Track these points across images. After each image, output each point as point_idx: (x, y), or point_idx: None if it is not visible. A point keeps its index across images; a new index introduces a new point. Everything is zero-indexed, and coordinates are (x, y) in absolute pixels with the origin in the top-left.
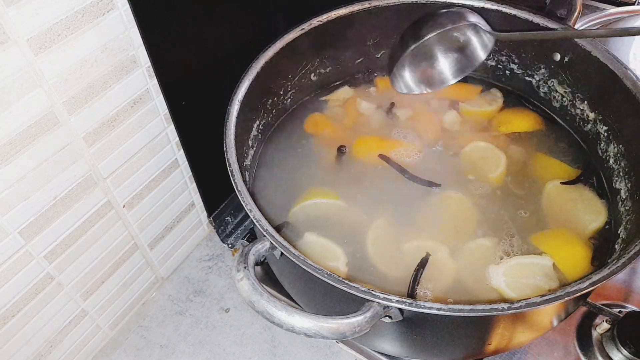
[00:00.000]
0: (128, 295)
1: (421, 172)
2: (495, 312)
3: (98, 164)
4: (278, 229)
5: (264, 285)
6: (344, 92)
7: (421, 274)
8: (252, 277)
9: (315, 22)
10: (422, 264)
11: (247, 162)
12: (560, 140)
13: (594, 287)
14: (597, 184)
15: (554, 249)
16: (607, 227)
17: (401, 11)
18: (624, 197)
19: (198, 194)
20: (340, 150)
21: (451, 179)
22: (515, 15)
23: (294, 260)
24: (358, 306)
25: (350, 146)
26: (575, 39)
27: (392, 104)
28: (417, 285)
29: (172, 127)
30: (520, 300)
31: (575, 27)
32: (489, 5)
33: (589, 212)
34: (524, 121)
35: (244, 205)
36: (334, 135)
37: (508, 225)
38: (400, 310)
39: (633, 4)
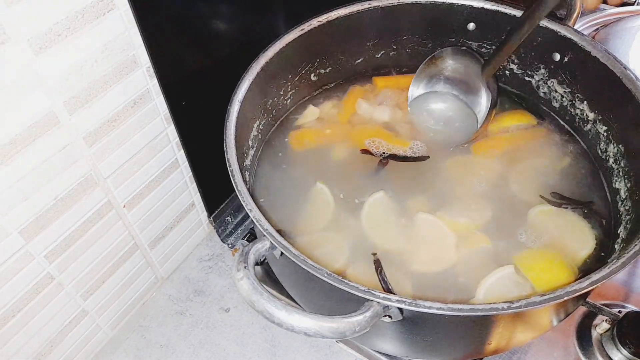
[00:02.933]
0: (128, 295)
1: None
2: (494, 312)
3: (98, 164)
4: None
5: (264, 285)
6: (311, 112)
7: (383, 273)
8: (252, 277)
9: (315, 22)
10: (377, 265)
11: (247, 162)
12: (557, 136)
13: (594, 286)
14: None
15: (537, 274)
16: (595, 253)
17: (401, 12)
18: (623, 197)
19: (198, 194)
20: (382, 162)
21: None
22: (514, 16)
23: (293, 259)
24: (358, 306)
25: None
26: (575, 40)
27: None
28: (388, 284)
29: (172, 127)
30: (519, 299)
31: (575, 27)
32: (488, 6)
33: (575, 239)
34: (515, 117)
35: (244, 205)
36: (329, 135)
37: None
38: (400, 309)
39: (633, 4)
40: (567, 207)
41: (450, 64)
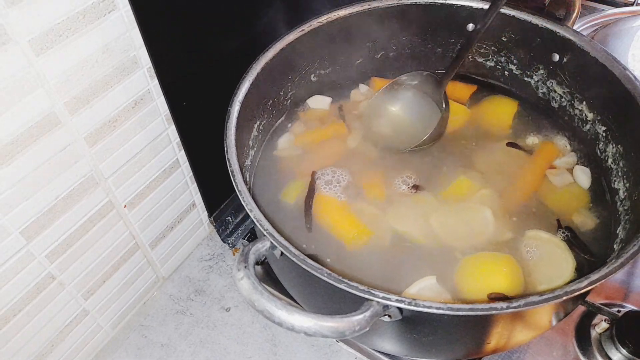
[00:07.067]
0: (129, 295)
1: None
2: (493, 312)
3: (99, 164)
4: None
5: (265, 285)
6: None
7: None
8: (253, 277)
9: (315, 23)
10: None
11: (248, 162)
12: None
13: (593, 286)
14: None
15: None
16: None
17: (400, 12)
18: (622, 197)
19: (199, 194)
20: (417, 187)
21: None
22: (514, 17)
23: (294, 259)
24: (358, 305)
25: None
26: (574, 40)
27: (340, 107)
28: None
29: (173, 127)
30: (519, 299)
31: (574, 27)
32: (487, 7)
33: (553, 270)
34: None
35: (244, 205)
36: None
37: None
38: (400, 309)
39: (632, 4)
40: (571, 245)
41: (407, 85)
